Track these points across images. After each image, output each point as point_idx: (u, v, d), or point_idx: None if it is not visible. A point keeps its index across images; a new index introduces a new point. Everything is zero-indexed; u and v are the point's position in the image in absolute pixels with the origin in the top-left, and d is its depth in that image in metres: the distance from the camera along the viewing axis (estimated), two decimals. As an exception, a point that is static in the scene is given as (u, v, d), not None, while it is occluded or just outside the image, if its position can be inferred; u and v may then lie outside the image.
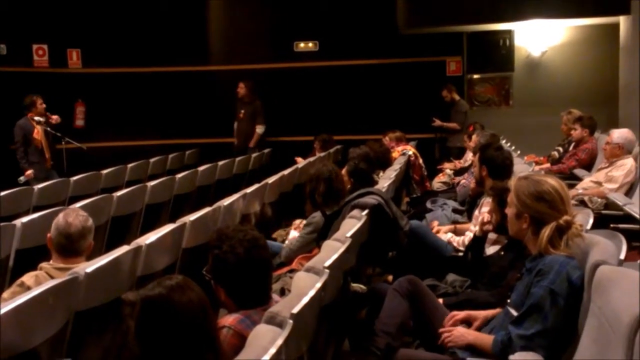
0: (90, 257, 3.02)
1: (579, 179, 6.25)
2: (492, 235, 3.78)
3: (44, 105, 7.92)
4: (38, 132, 7.74)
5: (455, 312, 2.91)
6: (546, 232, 2.50)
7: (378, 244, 4.02)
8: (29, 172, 7.68)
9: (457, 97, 10.02)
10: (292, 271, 3.79)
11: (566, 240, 2.48)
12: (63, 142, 8.09)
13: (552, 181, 2.60)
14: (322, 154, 8.37)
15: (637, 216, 4.22)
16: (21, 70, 10.17)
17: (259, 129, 9.75)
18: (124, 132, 10.52)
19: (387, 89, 10.43)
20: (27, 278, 2.87)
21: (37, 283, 2.75)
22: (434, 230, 4.66)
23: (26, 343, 2.18)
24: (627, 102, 8.98)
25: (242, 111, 9.76)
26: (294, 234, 4.62)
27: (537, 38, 10.65)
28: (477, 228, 3.74)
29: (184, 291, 1.83)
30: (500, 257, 3.42)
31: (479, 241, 3.72)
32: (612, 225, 4.17)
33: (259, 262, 2.37)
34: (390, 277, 4.09)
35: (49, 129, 7.86)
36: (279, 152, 9.89)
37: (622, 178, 5.62)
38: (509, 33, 10.69)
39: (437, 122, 9.89)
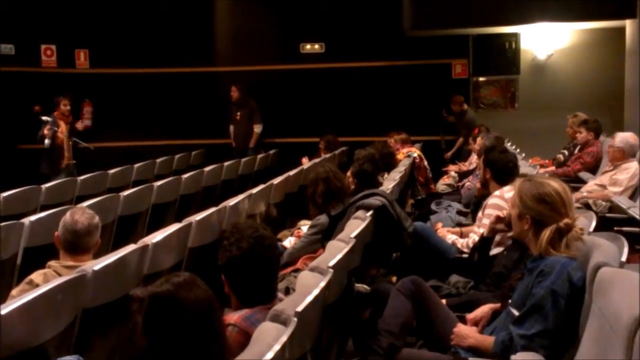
0: (97, 256, 3.05)
1: (584, 182, 6.27)
2: (496, 237, 3.79)
3: (68, 107, 8.12)
4: (62, 131, 7.91)
5: (462, 327, 2.89)
6: (546, 234, 2.52)
7: (382, 244, 4.04)
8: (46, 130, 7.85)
9: (465, 106, 9.97)
10: (297, 271, 3.81)
11: (566, 242, 2.51)
12: (70, 142, 8.17)
13: (555, 184, 2.62)
14: (328, 155, 8.39)
15: (641, 219, 4.24)
16: (29, 71, 10.24)
17: (257, 129, 9.90)
18: (131, 132, 10.56)
19: (393, 91, 10.44)
20: (36, 276, 2.90)
21: (45, 281, 2.78)
22: (439, 232, 4.67)
23: (34, 339, 2.21)
24: (632, 105, 8.98)
25: (238, 113, 9.89)
26: (291, 240, 4.60)
27: (543, 41, 10.65)
28: (486, 229, 3.74)
29: (191, 288, 1.85)
30: (504, 257, 3.44)
31: (486, 242, 3.72)
32: (615, 228, 4.19)
33: (261, 260, 2.40)
34: (394, 278, 4.11)
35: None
36: (284, 153, 9.93)
37: (627, 181, 5.65)
38: (514, 36, 10.70)
39: (450, 119, 9.91)
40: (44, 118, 7.85)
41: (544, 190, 2.59)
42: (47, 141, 7.81)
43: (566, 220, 2.53)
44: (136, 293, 1.87)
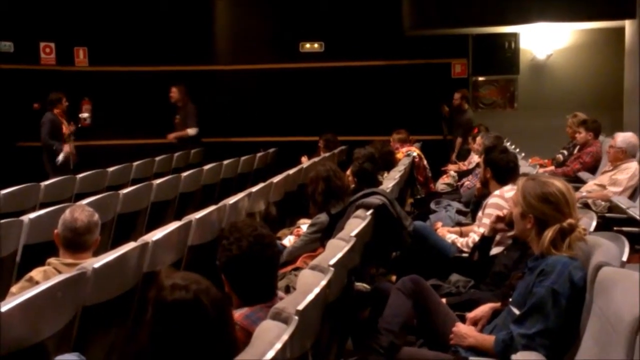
0: (96, 254, 3.04)
1: (583, 182, 6.28)
2: (496, 236, 3.79)
3: (67, 104, 8.09)
4: (67, 128, 7.89)
5: (461, 326, 2.89)
6: (549, 233, 2.52)
7: (382, 243, 4.04)
8: (66, 149, 7.85)
9: (466, 106, 9.90)
10: (297, 269, 3.81)
11: (568, 243, 2.51)
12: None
13: (559, 183, 2.62)
14: (327, 154, 8.39)
15: (640, 219, 4.24)
16: (28, 68, 10.23)
17: (191, 131, 9.43)
18: (130, 130, 10.55)
19: (392, 91, 10.45)
20: (36, 273, 2.90)
21: (45, 278, 2.77)
22: (439, 232, 4.66)
23: (34, 337, 2.21)
24: (631, 105, 8.99)
25: (177, 116, 9.56)
26: (291, 239, 4.60)
27: (543, 41, 10.66)
28: (487, 229, 3.74)
29: (209, 293, 1.83)
30: (505, 257, 3.44)
31: (487, 241, 3.73)
32: (615, 228, 4.19)
33: (261, 259, 2.40)
34: (394, 277, 4.11)
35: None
36: (284, 152, 9.93)
37: (626, 181, 5.65)
38: (514, 36, 10.71)
39: (445, 109, 9.89)
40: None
41: (548, 189, 2.58)
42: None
43: (570, 221, 2.52)
44: (162, 279, 1.84)
